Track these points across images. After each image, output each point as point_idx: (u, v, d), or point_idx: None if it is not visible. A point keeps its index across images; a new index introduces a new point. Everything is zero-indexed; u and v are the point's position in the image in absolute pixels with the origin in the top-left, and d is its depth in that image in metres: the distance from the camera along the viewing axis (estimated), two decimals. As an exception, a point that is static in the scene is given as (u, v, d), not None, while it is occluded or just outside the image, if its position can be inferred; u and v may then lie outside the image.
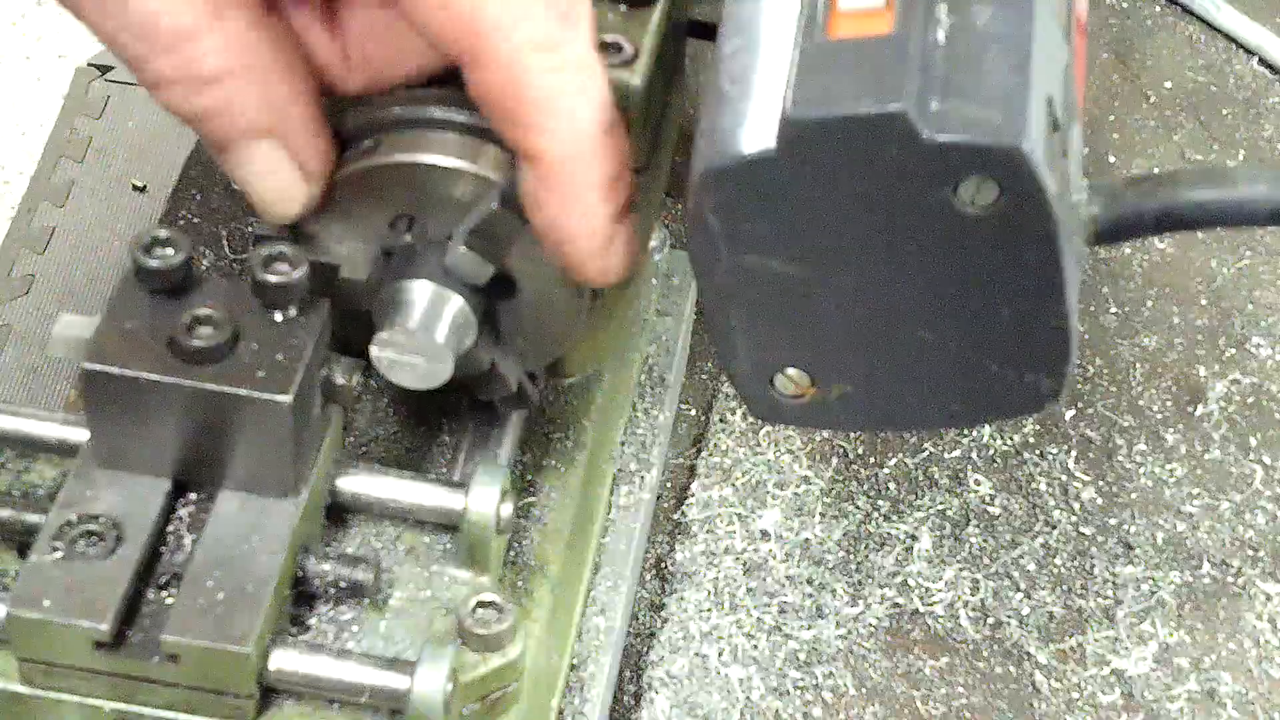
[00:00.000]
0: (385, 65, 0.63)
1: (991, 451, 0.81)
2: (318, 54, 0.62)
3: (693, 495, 0.79)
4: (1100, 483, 0.80)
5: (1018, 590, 0.77)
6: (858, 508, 0.79)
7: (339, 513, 0.64)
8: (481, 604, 0.62)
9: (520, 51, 0.57)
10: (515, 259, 0.63)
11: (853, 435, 0.81)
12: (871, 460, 0.81)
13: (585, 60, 0.59)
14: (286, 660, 0.59)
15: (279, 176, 0.61)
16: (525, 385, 0.68)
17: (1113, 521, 0.79)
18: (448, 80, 0.62)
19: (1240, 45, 1.00)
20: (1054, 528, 0.79)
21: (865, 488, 0.80)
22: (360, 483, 0.64)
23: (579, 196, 0.59)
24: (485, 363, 0.65)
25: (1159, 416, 0.83)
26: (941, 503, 0.79)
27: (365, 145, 0.63)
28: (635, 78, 0.64)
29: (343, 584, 0.61)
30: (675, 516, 0.78)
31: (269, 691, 0.60)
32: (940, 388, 0.61)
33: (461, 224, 0.62)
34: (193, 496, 0.61)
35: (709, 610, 0.75)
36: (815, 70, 0.56)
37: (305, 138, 0.61)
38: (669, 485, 0.80)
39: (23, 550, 0.61)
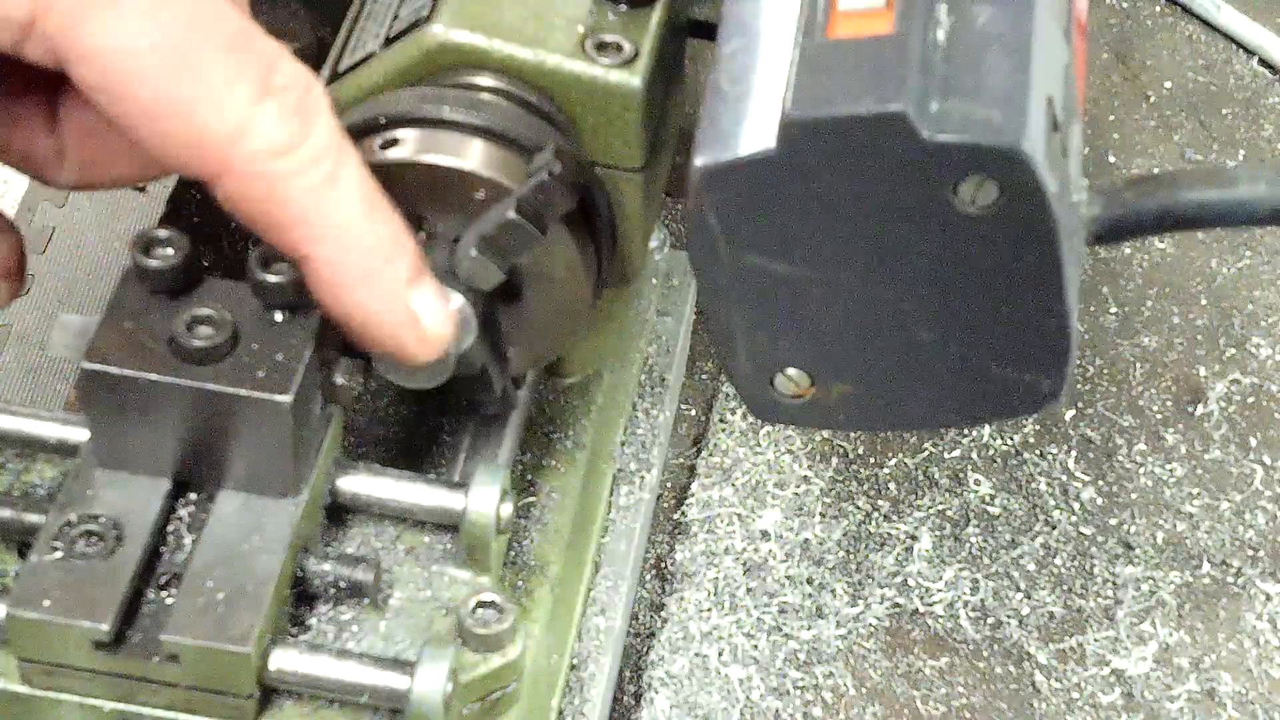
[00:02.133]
0: (100, 167, 0.61)
1: (991, 451, 0.81)
2: (34, 147, 0.60)
3: (693, 495, 0.79)
4: (1100, 483, 0.81)
5: (1018, 590, 0.77)
6: (858, 508, 0.79)
7: (339, 513, 0.64)
8: (481, 604, 0.62)
9: (257, 161, 0.54)
10: (521, 265, 0.63)
11: (853, 435, 0.81)
12: (871, 460, 0.81)
13: (328, 148, 0.56)
14: (286, 660, 0.59)
15: None
16: (509, 390, 0.68)
17: (1113, 521, 0.79)
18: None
19: (1240, 45, 1.00)
20: (1054, 528, 0.79)
21: (865, 488, 0.80)
22: (360, 483, 0.64)
23: (363, 283, 0.57)
24: (478, 366, 0.65)
25: (1159, 416, 0.83)
26: (941, 503, 0.79)
27: (382, 140, 0.63)
28: (635, 78, 0.64)
29: (343, 584, 0.61)
30: (675, 516, 0.79)
31: (269, 691, 0.60)
32: (940, 388, 0.61)
33: (473, 228, 0.62)
34: (193, 496, 0.61)
35: (709, 610, 0.75)
36: (815, 70, 0.56)
37: None
38: (669, 485, 0.80)
39: (23, 550, 0.61)
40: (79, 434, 0.63)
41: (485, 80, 0.64)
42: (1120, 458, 0.81)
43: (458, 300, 0.63)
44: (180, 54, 0.54)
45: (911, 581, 0.77)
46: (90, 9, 0.53)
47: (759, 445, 0.80)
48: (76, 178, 0.61)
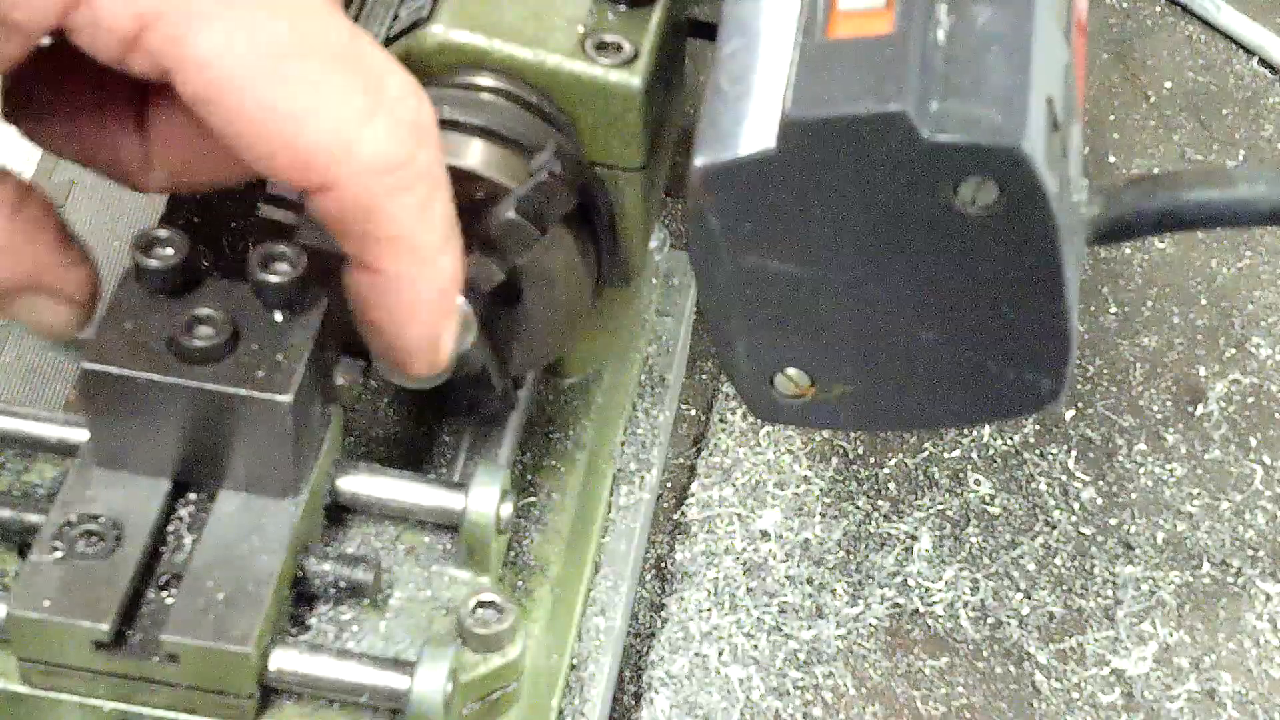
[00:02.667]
0: (188, 172, 0.60)
1: (991, 451, 0.81)
2: (121, 154, 0.60)
3: (693, 495, 0.79)
4: (1100, 483, 0.81)
5: (1018, 590, 0.77)
6: (858, 508, 0.79)
7: (339, 513, 0.64)
8: (481, 604, 0.62)
9: (364, 175, 0.54)
10: (521, 265, 0.63)
11: (853, 435, 0.81)
12: (871, 460, 0.81)
13: (432, 172, 0.56)
14: (286, 660, 0.59)
15: (48, 315, 0.59)
16: (509, 390, 0.68)
17: (1113, 521, 0.79)
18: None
19: (1240, 45, 1.00)
20: (1054, 528, 0.79)
21: (865, 488, 0.80)
22: (360, 483, 0.64)
23: (415, 306, 0.58)
24: (478, 366, 0.65)
25: (1159, 416, 0.83)
26: (941, 503, 0.79)
27: None
28: (635, 78, 0.64)
29: (343, 584, 0.61)
30: (675, 516, 0.79)
31: (269, 691, 0.60)
32: (940, 388, 0.61)
33: (474, 229, 0.62)
34: (193, 496, 0.61)
35: (709, 610, 0.75)
36: (815, 70, 0.56)
37: (62, 277, 0.59)
38: (669, 485, 0.80)
39: (23, 550, 0.61)
40: (79, 434, 0.63)
41: (485, 80, 0.64)
42: (1120, 458, 0.81)
43: (458, 300, 0.63)
44: (290, 66, 0.53)
45: (911, 581, 0.77)
46: (197, 20, 0.53)
47: (759, 445, 0.80)
48: (164, 183, 0.61)
